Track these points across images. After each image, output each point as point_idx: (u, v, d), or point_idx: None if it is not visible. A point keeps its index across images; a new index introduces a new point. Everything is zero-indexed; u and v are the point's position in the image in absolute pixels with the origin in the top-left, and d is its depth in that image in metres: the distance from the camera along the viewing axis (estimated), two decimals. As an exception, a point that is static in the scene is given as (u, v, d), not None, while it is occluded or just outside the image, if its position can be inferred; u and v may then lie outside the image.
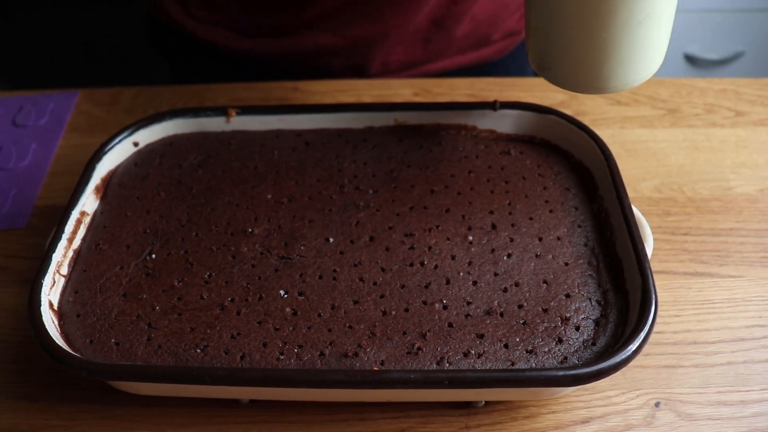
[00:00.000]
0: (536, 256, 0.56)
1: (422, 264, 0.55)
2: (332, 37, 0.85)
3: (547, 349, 0.50)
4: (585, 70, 0.54)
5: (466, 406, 0.54)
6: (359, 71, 0.89)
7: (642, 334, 0.47)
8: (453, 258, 0.56)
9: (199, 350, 0.51)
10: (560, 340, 0.50)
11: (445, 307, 0.53)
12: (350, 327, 0.51)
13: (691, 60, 1.81)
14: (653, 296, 0.49)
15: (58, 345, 0.49)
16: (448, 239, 0.57)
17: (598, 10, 0.50)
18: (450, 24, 0.85)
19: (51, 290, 0.54)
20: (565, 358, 0.50)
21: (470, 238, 0.57)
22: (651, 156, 0.74)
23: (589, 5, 0.50)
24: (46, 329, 0.50)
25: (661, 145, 0.75)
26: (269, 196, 0.61)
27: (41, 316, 0.51)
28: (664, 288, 0.61)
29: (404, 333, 0.51)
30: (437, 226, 0.58)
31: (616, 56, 0.52)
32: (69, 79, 1.05)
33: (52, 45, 1.73)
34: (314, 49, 0.86)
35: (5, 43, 1.80)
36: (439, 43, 0.88)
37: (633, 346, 0.47)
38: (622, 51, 0.52)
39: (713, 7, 1.71)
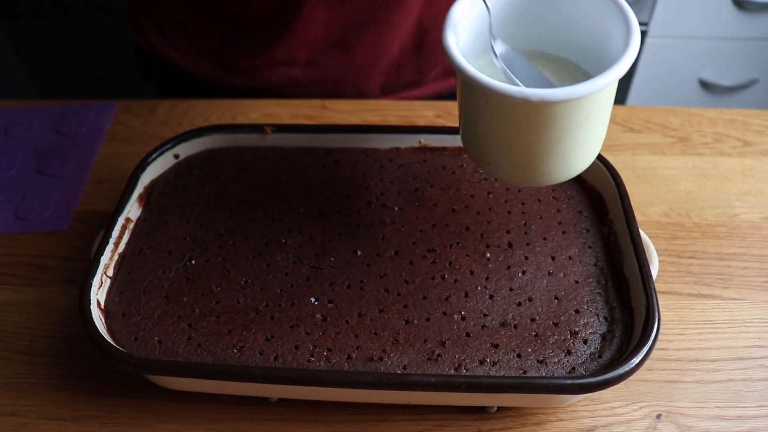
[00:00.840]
0: (549, 273, 0.59)
1: (443, 278, 0.59)
2: (305, 69, 0.87)
3: (556, 360, 0.53)
4: (526, 170, 0.53)
5: (480, 411, 0.56)
6: (339, 96, 0.90)
7: (645, 349, 0.50)
8: (471, 273, 0.59)
9: (235, 350, 0.54)
10: (569, 352, 0.54)
11: (463, 318, 0.56)
12: (375, 333, 0.55)
13: (705, 85, 1.82)
14: (656, 314, 0.52)
15: (106, 341, 0.53)
16: (468, 255, 0.60)
17: (538, 119, 0.48)
18: (423, 52, 0.87)
19: (99, 290, 0.58)
20: (573, 368, 0.53)
21: (488, 255, 0.60)
22: (660, 182, 0.76)
23: (527, 115, 0.48)
24: (95, 326, 0.53)
25: (671, 172, 0.77)
26: (301, 210, 0.65)
27: (90, 314, 0.54)
28: (668, 308, 0.64)
29: (425, 341, 0.54)
30: (457, 243, 0.61)
31: (557, 155, 0.51)
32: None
33: (87, 55, 1.76)
34: (289, 81, 0.89)
35: (42, 53, 1.84)
36: (412, 72, 0.89)
37: (636, 360, 0.49)
38: (563, 150, 0.50)
39: (728, 35, 1.72)
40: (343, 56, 0.85)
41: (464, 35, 0.52)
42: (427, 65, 0.89)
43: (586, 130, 0.49)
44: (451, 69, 0.88)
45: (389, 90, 0.91)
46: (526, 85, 0.49)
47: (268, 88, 0.90)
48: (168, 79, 0.98)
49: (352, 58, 0.86)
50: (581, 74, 0.55)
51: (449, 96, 0.95)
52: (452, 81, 0.93)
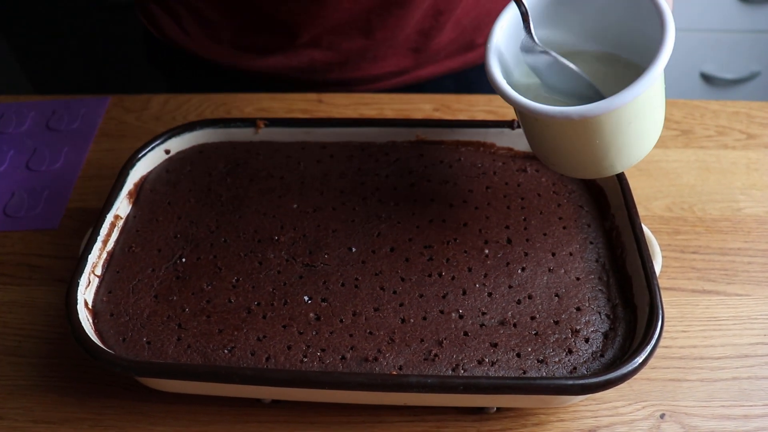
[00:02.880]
0: (549, 270, 0.58)
1: (440, 275, 0.57)
2: (325, 52, 0.87)
3: (557, 359, 0.52)
4: (587, 168, 0.56)
5: (479, 412, 0.55)
6: (351, 82, 0.91)
7: (648, 348, 0.49)
8: (469, 270, 0.58)
9: (226, 351, 0.53)
10: (570, 351, 0.52)
11: (461, 317, 0.54)
12: (371, 333, 0.53)
13: (707, 79, 1.81)
14: (660, 312, 0.51)
15: (93, 342, 0.51)
16: (465, 252, 0.59)
17: (586, 131, 0.51)
18: (436, 33, 0.87)
19: (86, 290, 0.57)
20: (575, 368, 0.51)
21: (486, 251, 0.59)
22: (663, 176, 0.75)
23: (574, 129, 0.51)
24: (82, 327, 0.52)
25: (673, 165, 0.76)
26: (295, 206, 0.64)
27: (77, 314, 0.53)
28: (672, 304, 0.62)
29: (422, 340, 0.53)
30: (455, 239, 0.60)
31: (614, 151, 0.53)
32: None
33: (79, 51, 1.75)
34: (308, 65, 0.88)
35: (36, 49, 1.83)
36: (427, 51, 0.89)
37: (639, 359, 0.48)
38: (619, 146, 0.53)
39: (730, 27, 1.71)
40: (363, 39, 0.85)
41: (506, 45, 0.56)
42: (441, 43, 0.89)
43: (638, 124, 0.52)
44: (467, 44, 0.90)
45: (406, 70, 0.91)
46: (568, 89, 0.55)
47: (285, 72, 0.90)
48: (180, 66, 0.97)
49: (372, 42, 0.85)
50: (622, 66, 0.57)
51: (465, 71, 0.95)
52: (468, 56, 0.93)
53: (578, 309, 0.55)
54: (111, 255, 0.61)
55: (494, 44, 0.54)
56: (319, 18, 0.81)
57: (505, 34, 0.55)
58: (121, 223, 0.63)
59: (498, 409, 0.55)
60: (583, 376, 0.48)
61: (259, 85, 0.90)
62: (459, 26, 0.88)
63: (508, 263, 0.58)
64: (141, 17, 0.95)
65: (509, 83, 0.54)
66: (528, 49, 0.55)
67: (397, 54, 0.88)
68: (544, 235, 0.61)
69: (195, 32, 0.90)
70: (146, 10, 0.93)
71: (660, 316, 0.50)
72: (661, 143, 0.79)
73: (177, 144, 0.70)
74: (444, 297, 0.56)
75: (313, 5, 0.79)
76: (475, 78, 0.95)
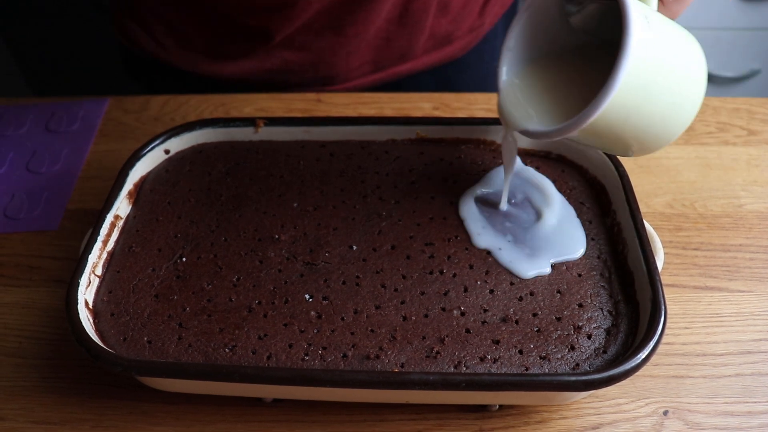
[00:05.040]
0: (551, 267, 0.58)
1: (441, 272, 0.57)
2: (298, 53, 0.87)
3: (560, 356, 0.52)
4: (626, 151, 0.55)
5: (481, 410, 0.55)
6: (326, 81, 0.91)
7: (651, 344, 0.49)
8: (471, 267, 0.57)
9: (227, 350, 0.53)
10: (572, 348, 0.52)
11: (462, 314, 0.54)
12: (372, 331, 0.53)
13: (707, 77, 1.81)
14: (662, 308, 0.50)
15: (94, 342, 0.51)
16: (467, 249, 0.59)
17: (586, 137, 0.52)
18: (408, 21, 0.86)
19: (86, 290, 0.56)
20: (577, 364, 0.51)
21: (488, 248, 0.59)
22: (664, 172, 0.75)
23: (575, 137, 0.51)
24: (82, 326, 0.52)
25: (674, 162, 0.76)
26: (295, 205, 0.63)
27: (78, 314, 0.53)
28: (674, 301, 0.62)
29: (423, 337, 0.53)
30: (456, 236, 0.60)
31: (637, 136, 0.52)
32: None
33: (77, 53, 1.75)
34: (282, 66, 0.88)
35: (33, 50, 1.83)
36: (401, 42, 0.89)
37: (642, 355, 0.48)
38: (641, 131, 0.51)
39: (729, 25, 1.71)
40: (334, 36, 0.85)
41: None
42: (414, 34, 0.88)
43: (649, 109, 0.50)
44: (442, 38, 0.90)
45: (381, 65, 0.91)
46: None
47: (260, 76, 0.90)
48: (158, 77, 0.97)
49: (343, 38, 0.85)
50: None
51: (443, 67, 0.95)
52: (445, 51, 0.93)
53: (580, 305, 0.55)
54: (111, 255, 0.60)
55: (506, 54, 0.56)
56: (291, 20, 0.81)
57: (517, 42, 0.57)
58: (121, 223, 0.63)
59: (500, 406, 0.55)
60: (586, 373, 0.48)
61: (235, 91, 0.90)
62: (432, 19, 0.88)
63: (509, 260, 0.58)
64: (116, 33, 0.96)
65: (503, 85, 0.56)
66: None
67: (370, 48, 0.88)
68: (546, 232, 0.60)
69: (168, 43, 0.90)
70: (121, 25, 0.93)
71: (663, 312, 0.50)
72: (661, 140, 0.79)
73: (176, 144, 0.69)
74: (445, 294, 0.56)
75: (285, 8, 0.80)
76: (453, 75, 0.95)
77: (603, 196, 0.63)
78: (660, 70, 0.49)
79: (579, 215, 0.62)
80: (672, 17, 0.54)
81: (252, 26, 0.83)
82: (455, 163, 0.66)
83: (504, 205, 0.62)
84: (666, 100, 0.50)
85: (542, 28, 0.57)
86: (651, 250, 0.55)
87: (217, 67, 0.89)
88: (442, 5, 0.87)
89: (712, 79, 1.81)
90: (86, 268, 0.56)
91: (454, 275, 0.57)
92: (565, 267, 0.57)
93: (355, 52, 0.88)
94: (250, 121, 0.69)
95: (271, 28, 0.82)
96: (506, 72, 0.57)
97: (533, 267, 0.57)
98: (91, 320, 0.55)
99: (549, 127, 0.53)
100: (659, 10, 0.53)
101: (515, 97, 0.57)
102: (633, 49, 0.46)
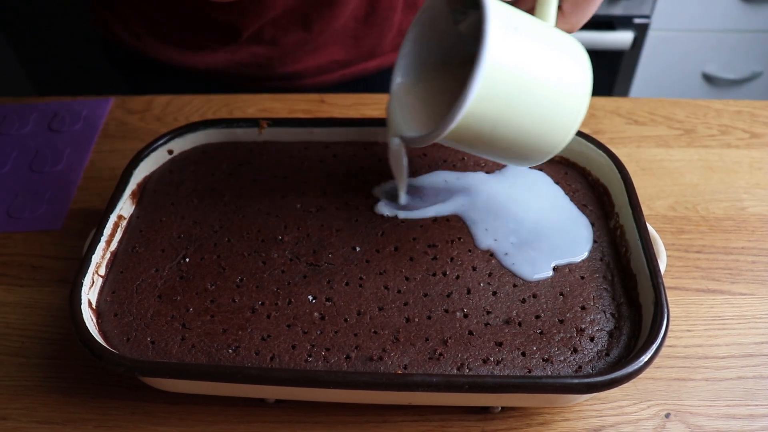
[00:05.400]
0: (553, 269, 0.58)
1: (444, 274, 0.57)
2: (267, 47, 0.88)
3: (562, 358, 0.52)
4: (509, 159, 0.55)
5: (483, 412, 0.55)
6: (295, 76, 0.92)
7: (654, 346, 0.49)
8: (474, 269, 0.57)
9: (230, 351, 0.53)
10: (575, 350, 0.52)
11: (465, 316, 0.54)
12: (375, 332, 0.53)
13: (709, 79, 1.81)
14: (665, 310, 0.50)
15: (97, 342, 0.51)
16: (470, 251, 0.59)
17: (453, 143, 0.52)
18: (376, 20, 0.87)
19: (90, 290, 0.56)
20: (580, 367, 0.51)
21: (491, 250, 0.59)
22: (666, 175, 0.75)
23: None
24: (86, 326, 0.52)
25: (677, 165, 0.76)
26: (298, 206, 0.63)
27: (81, 314, 0.53)
28: (676, 303, 0.62)
29: (426, 339, 0.53)
30: (459, 238, 0.60)
31: (511, 145, 0.51)
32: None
33: (78, 53, 1.75)
34: (251, 60, 0.89)
35: (36, 49, 1.83)
36: (369, 39, 0.89)
37: (645, 357, 0.48)
38: (513, 139, 0.51)
39: (731, 27, 1.71)
40: (302, 32, 0.86)
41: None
42: (382, 31, 0.89)
43: (516, 120, 0.49)
44: None
45: (350, 62, 0.92)
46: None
47: (230, 69, 0.91)
48: (134, 67, 0.98)
49: (311, 35, 0.86)
50: None
51: None
52: None
53: (583, 308, 0.55)
54: (114, 255, 0.60)
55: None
56: (258, 15, 0.82)
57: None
58: (124, 223, 0.63)
59: (502, 408, 0.55)
60: (589, 375, 0.48)
61: (206, 82, 0.92)
62: (401, 15, 0.88)
63: (513, 262, 0.58)
64: (94, 24, 0.96)
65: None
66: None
67: (337, 44, 0.89)
68: (548, 234, 0.60)
69: (142, 32, 0.90)
70: (99, 16, 0.94)
71: (666, 315, 0.50)
72: (663, 142, 0.79)
73: (180, 144, 0.69)
74: (448, 296, 0.56)
75: (251, 4, 0.80)
76: None
77: (606, 199, 0.63)
78: (524, 82, 0.48)
79: (582, 218, 0.62)
80: (572, 29, 0.53)
81: (220, 21, 0.84)
82: (458, 165, 0.66)
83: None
84: (534, 111, 0.50)
85: (435, 34, 0.56)
86: (654, 253, 0.54)
87: (189, 58, 0.90)
88: (410, 2, 0.87)
89: (714, 81, 1.81)
90: (90, 268, 0.56)
91: (457, 277, 0.57)
92: (567, 269, 0.57)
93: (323, 48, 0.89)
94: (254, 122, 0.69)
95: (239, 23, 0.83)
96: (399, 77, 0.57)
97: (536, 269, 0.57)
98: (95, 320, 0.55)
99: (418, 134, 0.53)
100: (559, 21, 0.53)
101: (401, 102, 0.57)
102: (488, 59, 0.45)
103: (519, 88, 0.48)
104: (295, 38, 0.87)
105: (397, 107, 0.57)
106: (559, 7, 0.53)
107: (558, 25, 0.53)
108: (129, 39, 0.92)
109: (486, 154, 0.55)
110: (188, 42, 0.89)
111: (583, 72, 0.51)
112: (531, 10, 0.53)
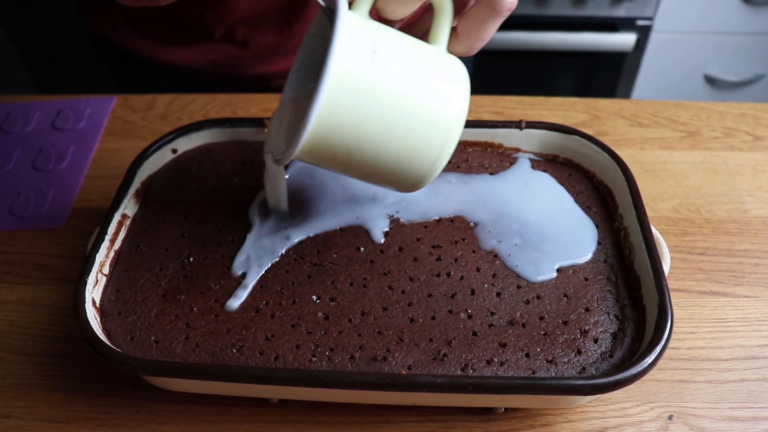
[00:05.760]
0: (557, 270, 0.58)
1: (448, 275, 0.57)
2: (239, 48, 0.88)
3: (566, 360, 0.52)
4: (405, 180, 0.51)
5: (486, 413, 0.55)
6: (268, 77, 0.93)
7: (658, 348, 0.48)
8: (478, 270, 0.57)
9: (234, 350, 0.53)
10: (579, 352, 0.52)
11: (469, 317, 0.54)
12: (379, 332, 0.53)
13: (711, 81, 1.81)
14: (669, 312, 0.50)
15: (101, 340, 0.51)
16: (474, 252, 0.59)
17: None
18: None
19: (94, 288, 0.56)
20: (584, 368, 0.51)
21: (495, 251, 0.59)
22: (669, 177, 0.75)
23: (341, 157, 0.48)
24: (90, 325, 0.52)
25: (680, 167, 0.76)
26: (302, 205, 0.63)
27: (85, 312, 0.53)
28: (679, 305, 0.62)
29: (430, 340, 0.53)
30: (463, 239, 0.60)
31: (368, 168, 0.49)
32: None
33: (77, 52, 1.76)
34: (224, 59, 0.90)
35: (39, 48, 1.83)
36: None
37: (649, 359, 0.48)
38: (370, 162, 0.49)
39: (734, 30, 1.71)
40: (273, 36, 0.87)
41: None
42: None
43: (369, 147, 0.47)
44: None
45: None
46: None
47: (205, 66, 0.91)
48: (118, 60, 0.98)
49: (282, 37, 0.87)
50: None
51: None
52: None
53: (587, 309, 0.55)
54: (118, 254, 0.60)
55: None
56: (225, 15, 0.83)
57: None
58: (128, 222, 0.63)
59: (505, 409, 0.55)
60: (593, 377, 0.48)
61: (182, 78, 0.92)
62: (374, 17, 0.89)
63: (516, 263, 0.58)
64: (81, 14, 0.97)
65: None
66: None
67: None
68: (552, 235, 0.60)
69: (119, 23, 0.91)
70: (84, 7, 0.95)
71: (670, 317, 0.50)
72: (667, 144, 0.79)
73: (184, 143, 0.69)
74: (452, 297, 0.56)
75: (217, 4, 0.81)
76: None
77: (610, 201, 0.63)
78: (375, 108, 0.46)
79: (586, 219, 0.62)
80: (467, 52, 0.51)
81: (190, 18, 0.84)
82: (462, 166, 0.66)
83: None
84: (389, 139, 0.47)
85: (317, 49, 0.54)
86: (658, 255, 0.54)
87: (167, 53, 0.91)
88: None
89: (716, 83, 1.81)
90: (93, 267, 0.56)
91: (461, 278, 0.57)
92: (571, 271, 0.57)
93: (294, 50, 0.89)
94: (258, 122, 0.69)
95: (207, 22, 0.83)
96: (285, 92, 0.56)
97: (540, 271, 0.57)
98: (98, 319, 0.55)
99: (277, 152, 0.52)
100: (453, 44, 0.51)
101: (279, 118, 0.56)
102: (328, 84, 0.43)
103: (369, 114, 0.46)
104: (267, 40, 0.87)
105: (274, 123, 0.56)
106: (455, 29, 0.51)
107: (452, 48, 0.51)
108: (110, 32, 0.93)
109: (355, 177, 0.52)
110: (165, 37, 0.89)
111: (454, 100, 0.48)
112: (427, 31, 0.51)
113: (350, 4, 0.50)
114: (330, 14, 0.47)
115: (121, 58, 0.96)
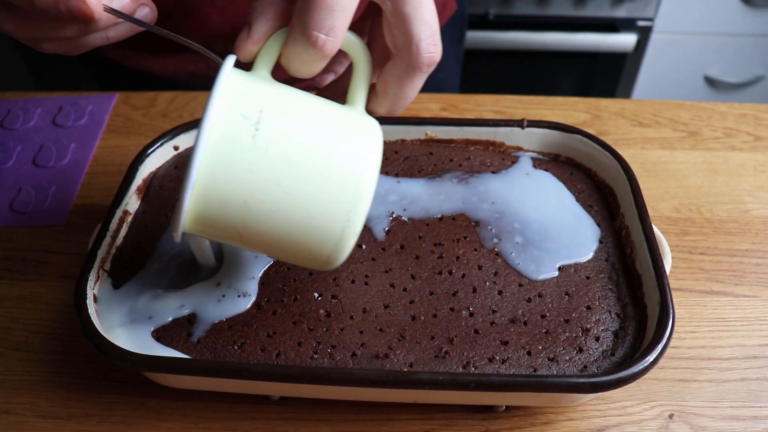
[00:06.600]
0: (559, 269, 0.58)
1: (450, 273, 0.57)
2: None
3: (567, 358, 0.52)
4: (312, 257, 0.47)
5: (487, 411, 0.55)
6: None
7: (659, 347, 0.49)
8: (480, 268, 0.57)
9: (236, 347, 0.53)
10: (580, 350, 0.52)
11: (471, 314, 0.54)
12: (381, 330, 0.53)
13: (711, 82, 1.82)
14: (671, 311, 0.50)
15: (103, 337, 0.51)
16: (476, 250, 0.59)
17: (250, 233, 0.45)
18: None
19: (95, 285, 0.56)
20: (585, 366, 0.51)
21: (497, 249, 0.59)
22: (670, 177, 0.75)
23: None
24: (91, 321, 0.52)
25: (681, 167, 0.76)
26: (304, 203, 0.63)
27: (87, 309, 0.53)
28: (680, 305, 0.62)
29: (432, 337, 0.53)
30: (465, 237, 0.60)
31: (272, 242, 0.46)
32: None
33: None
34: (204, 70, 0.89)
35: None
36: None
37: (650, 358, 0.48)
38: (272, 237, 0.45)
39: (734, 31, 1.72)
40: None
41: None
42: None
43: (259, 227, 0.44)
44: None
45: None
46: None
47: (184, 77, 0.91)
48: (103, 69, 0.98)
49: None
50: None
51: None
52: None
53: (588, 308, 0.55)
54: (120, 251, 0.60)
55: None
56: (197, 29, 0.81)
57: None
58: (129, 218, 0.63)
59: (506, 407, 0.55)
60: (595, 375, 0.48)
61: (166, 87, 0.91)
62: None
63: (518, 262, 0.58)
64: None
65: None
66: None
67: None
68: (554, 234, 0.60)
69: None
70: None
71: (671, 315, 0.50)
72: (668, 144, 0.79)
73: (186, 140, 0.69)
74: (454, 294, 0.56)
75: (184, 16, 0.80)
76: None
77: (611, 200, 0.63)
78: (255, 185, 0.42)
79: (587, 218, 0.62)
80: (390, 112, 0.49)
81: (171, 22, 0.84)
82: (464, 165, 0.66)
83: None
84: (278, 217, 0.44)
85: None
86: (659, 254, 0.54)
87: (147, 63, 0.90)
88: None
89: (717, 84, 1.81)
90: (95, 263, 0.56)
91: (463, 276, 0.57)
92: (573, 269, 0.57)
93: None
94: (260, 119, 0.69)
95: (181, 33, 0.83)
96: None
97: (542, 269, 0.57)
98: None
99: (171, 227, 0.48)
100: (374, 103, 0.49)
101: None
102: (200, 160, 0.40)
103: (254, 192, 0.42)
104: None
105: None
106: (374, 87, 0.49)
107: (373, 108, 0.49)
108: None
109: (263, 254, 0.49)
110: (141, 47, 0.88)
111: (357, 174, 0.44)
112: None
113: (252, 64, 0.46)
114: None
115: (106, 66, 0.95)
